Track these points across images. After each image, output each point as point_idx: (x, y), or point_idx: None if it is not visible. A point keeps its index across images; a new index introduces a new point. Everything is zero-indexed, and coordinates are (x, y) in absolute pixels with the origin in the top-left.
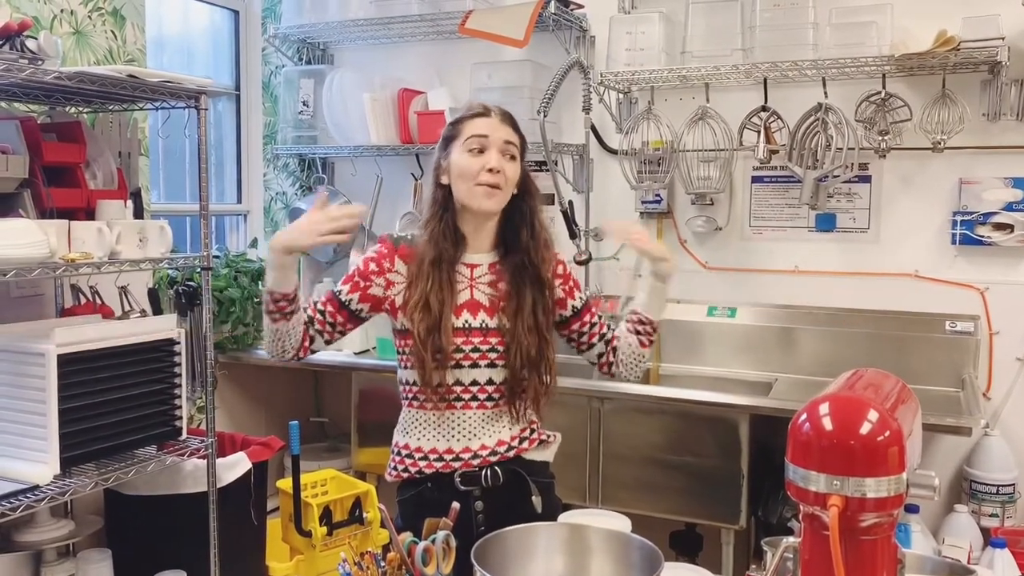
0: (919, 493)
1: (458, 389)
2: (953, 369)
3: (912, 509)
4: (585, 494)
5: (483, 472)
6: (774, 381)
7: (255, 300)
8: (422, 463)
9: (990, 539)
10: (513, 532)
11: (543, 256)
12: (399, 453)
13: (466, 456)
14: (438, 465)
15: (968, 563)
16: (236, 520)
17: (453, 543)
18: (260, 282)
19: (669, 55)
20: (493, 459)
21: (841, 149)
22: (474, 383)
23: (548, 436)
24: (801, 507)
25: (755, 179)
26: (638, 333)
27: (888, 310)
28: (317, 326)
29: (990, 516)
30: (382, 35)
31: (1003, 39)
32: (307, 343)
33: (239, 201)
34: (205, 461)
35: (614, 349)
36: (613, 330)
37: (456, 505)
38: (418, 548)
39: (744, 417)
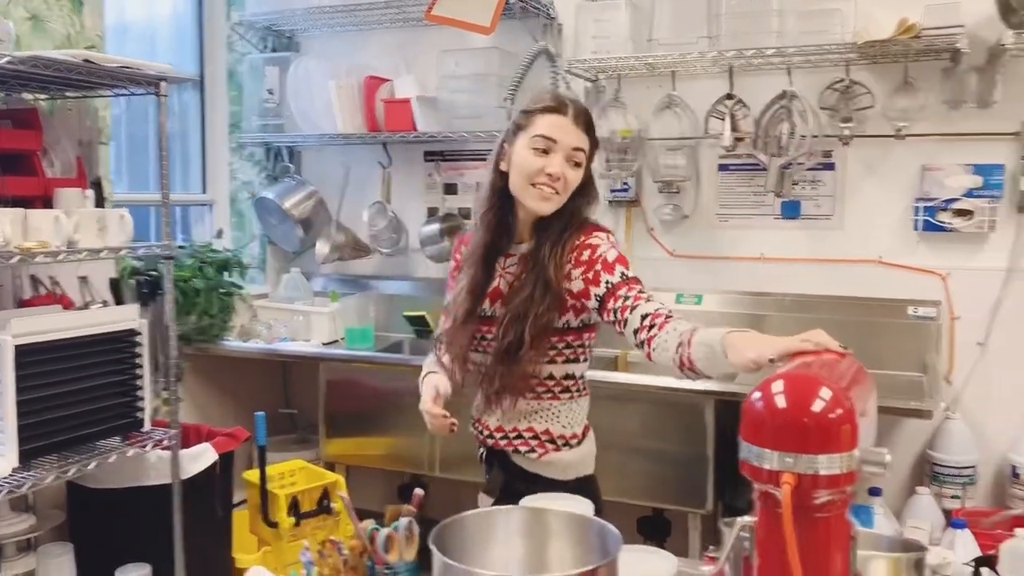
0: (871, 470)
1: (480, 369)
2: (916, 354)
3: (875, 492)
4: None
5: (479, 451)
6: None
7: (220, 291)
8: (472, 427)
9: (951, 520)
10: (472, 516)
11: (563, 255)
12: None
13: (480, 430)
14: (474, 431)
15: (929, 544)
16: (202, 512)
17: (416, 530)
18: (226, 272)
19: (636, 43)
20: (489, 442)
21: (805, 136)
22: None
23: (540, 454)
24: (755, 485)
25: (722, 167)
26: (680, 362)
27: (853, 296)
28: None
29: (951, 498)
30: (348, 22)
31: (963, 27)
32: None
33: (204, 191)
34: (169, 453)
35: (649, 340)
36: (656, 317)
37: (419, 491)
38: (380, 535)
39: (709, 403)
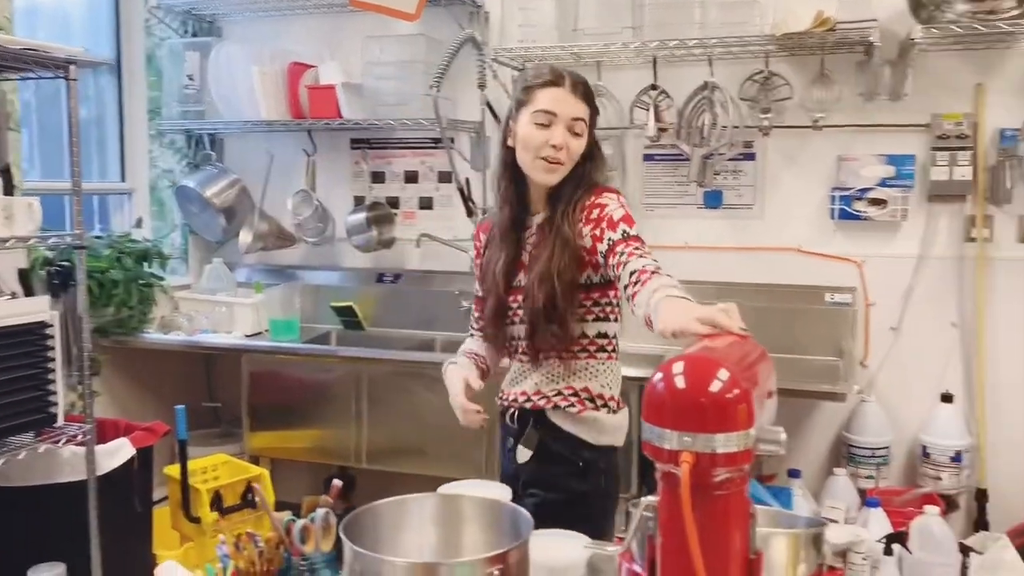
0: (767, 448)
1: (513, 342)
2: (832, 339)
3: (794, 474)
4: (482, 466)
5: (509, 412)
6: (665, 354)
7: (140, 282)
8: (497, 399)
9: (865, 499)
10: (385, 505)
11: (575, 215)
12: None
13: (508, 399)
14: (499, 403)
15: (844, 523)
16: (120, 508)
17: (333, 520)
18: (145, 263)
19: (561, 32)
20: (527, 405)
21: (726, 127)
22: (520, 338)
23: (579, 409)
24: (657, 466)
25: (646, 157)
26: (646, 321)
27: (772, 283)
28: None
29: (866, 478)
30: (270, 7)
31: (876, 21)
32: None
33: (123, 180)
34: (84, 448)
35: (632, 296)
36: (642, 273)
37: (337, 483)
38: (295, 526)
39: (635, 389)
